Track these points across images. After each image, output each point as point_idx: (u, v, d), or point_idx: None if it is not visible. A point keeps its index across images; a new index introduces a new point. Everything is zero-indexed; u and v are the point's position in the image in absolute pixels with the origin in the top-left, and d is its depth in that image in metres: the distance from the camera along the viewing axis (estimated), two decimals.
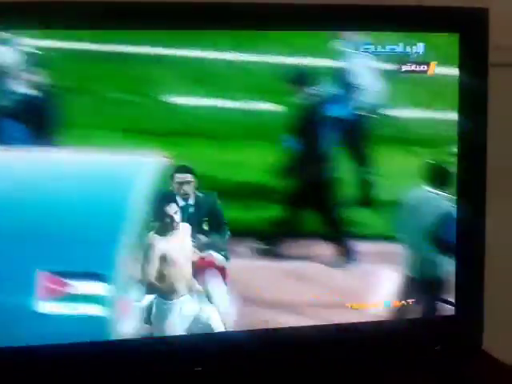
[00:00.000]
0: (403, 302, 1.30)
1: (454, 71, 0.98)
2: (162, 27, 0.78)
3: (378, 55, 1.00)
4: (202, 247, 0.72)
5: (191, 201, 0.69)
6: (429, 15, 0.97)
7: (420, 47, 1.00)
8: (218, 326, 0.76)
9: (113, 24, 0.73)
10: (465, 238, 1.08)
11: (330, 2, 0.88)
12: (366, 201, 1.03)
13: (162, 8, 0.75)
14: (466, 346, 1.09)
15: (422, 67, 1.02)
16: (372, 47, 0.99)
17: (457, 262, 1.13)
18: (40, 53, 0.72)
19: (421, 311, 1.25)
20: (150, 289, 0.69)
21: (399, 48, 1.00)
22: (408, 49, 1.00)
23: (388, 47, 0.99)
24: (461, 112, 1.01)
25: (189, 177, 0.67)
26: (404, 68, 1.03)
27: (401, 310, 1.33)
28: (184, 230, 0.68)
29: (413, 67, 1.02)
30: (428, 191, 1.08)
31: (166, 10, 0.75)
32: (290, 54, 0.85)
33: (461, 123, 1.01)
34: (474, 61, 0.98)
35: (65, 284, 0.66)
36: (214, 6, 0.79)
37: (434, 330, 1.15)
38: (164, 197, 0.66)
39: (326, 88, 0.97)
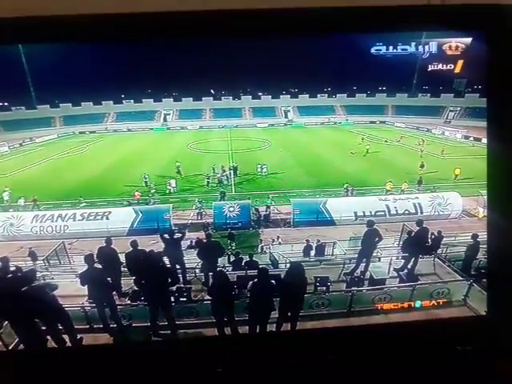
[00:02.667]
0: (434, 302, 1.27)
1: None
2: None
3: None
4: None
5: None
6: (453, 14, 0.90)
7: (432, 46, 0.95)
8: None
9: None
10: (496, 239, 1.03)
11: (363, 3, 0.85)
12: None
13: None
14: (497, 346, 1.05)
15: (449, 66, 0.96)
16: (383, 48, 0.96)
17: (489, 263, 1.09)
18: None
19: (451, 311, 1.21)
20: None
21: (411, 48, 0.96)
22: (420, 48, 0.96)
23: (400, 47, 0.96)
24: (490, 114, 0.94)
25: None
26: (430, 67, 0.98)
27: (431, 310, 1.30)
28: None
29: (439, 66, 0.96)
30: None
31: None
32: None
33: (490, 127, 0.94)
34: (502, 58, 0.91)
35: None
36: None
37: (465, 331, 1.13)
38: None
39: None
